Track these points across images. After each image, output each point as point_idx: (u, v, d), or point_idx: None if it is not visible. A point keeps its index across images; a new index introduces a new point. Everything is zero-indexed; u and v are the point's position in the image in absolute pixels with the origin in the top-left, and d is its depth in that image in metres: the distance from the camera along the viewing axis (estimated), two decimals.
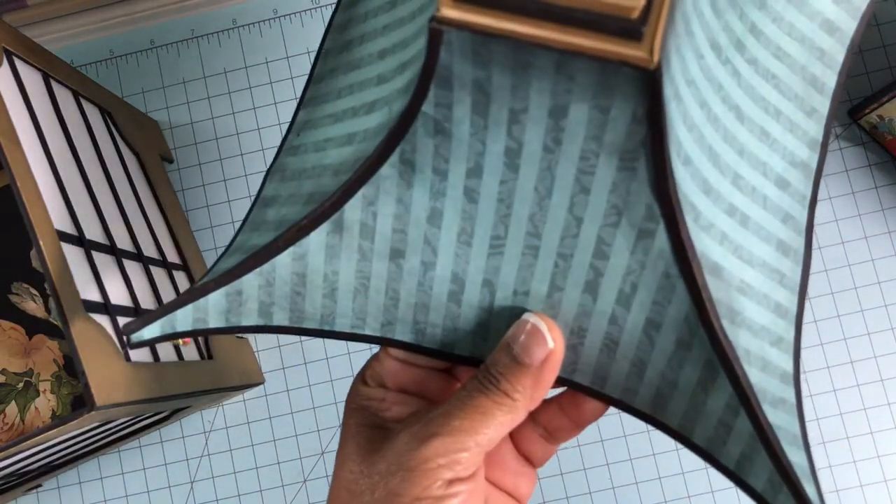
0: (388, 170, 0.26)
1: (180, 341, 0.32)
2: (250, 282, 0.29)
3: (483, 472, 0.29)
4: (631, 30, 0.21)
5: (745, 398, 0.26)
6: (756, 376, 0.27)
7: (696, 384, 0.28)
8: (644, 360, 0.29)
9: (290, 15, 0.56)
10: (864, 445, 0.50)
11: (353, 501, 0.29)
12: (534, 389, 0.28)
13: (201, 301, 0.29)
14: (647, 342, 0.28)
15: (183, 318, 0.30)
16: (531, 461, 0.33)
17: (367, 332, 0.31)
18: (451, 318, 0.30)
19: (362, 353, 0.53)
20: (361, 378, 0.32)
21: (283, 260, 0.29)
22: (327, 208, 0.27)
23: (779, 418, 0.27)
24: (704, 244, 0.26)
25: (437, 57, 0.23)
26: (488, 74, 0.23)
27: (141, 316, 0.30)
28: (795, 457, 0.27)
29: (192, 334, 0.30)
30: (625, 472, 0.51)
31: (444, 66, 0.23)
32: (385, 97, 0.28)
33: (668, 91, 0.23)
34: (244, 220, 0.32)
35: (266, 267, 0.29)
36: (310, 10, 0.56)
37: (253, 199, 0.34)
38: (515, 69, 0.23)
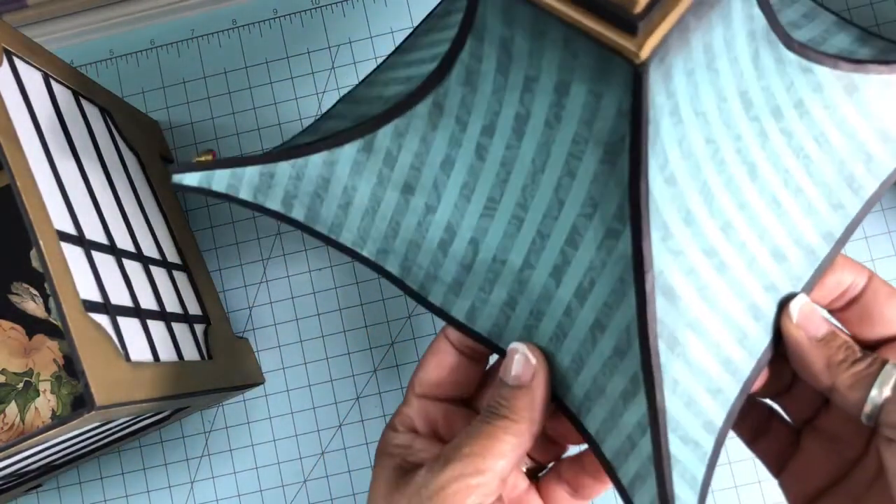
0: (422, 108, 0.29)
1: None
2: (284, 169, 0.33)
3: None
4: (629, 22, 0.22)
5: (654, 419, 0.27)
6: (675, 407, 0.28)
7: (620, 395, 0.28)
8: (583, 359, 0.29)
9: (290, 15, 0.56)
10: None
11: None
12: (531, 409, 0.30)
13: (239, 170, 0.34)
14: (590, 342, 0.29)
15: (220, 179, 0.34)
16: None
17: (365, 253, 0.34)
18: (435, 265, 0.32)
19: (363, 353, 0.53)
20: (391, 425, 0.34)
21: (316, 160, 0.32)
22: (366, 127, 0.31)
23: (683, 455, 0.28)
24: (666, 265, 0.26)
25: (476, 7, 0.25)
26: (512, 35, 0.25)
27: (186, 162, 0.35)
28: (684, 494, 0.28)
29: (224, 198, 0.34)
30: None
31: (481, 17, 0.26)
32: (443, 53, 0.30)
33: (659, 100, 0.23)
34: (306, 128, 0.37)
35: (300, 161, 0.32)
36: (310, 10, 0.56)
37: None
38: (534, 35, 0.24)
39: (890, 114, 0.29)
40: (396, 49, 0.37)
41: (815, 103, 0.28)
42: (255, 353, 0.53)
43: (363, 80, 0.37)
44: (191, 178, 0.34)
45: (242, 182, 0.34)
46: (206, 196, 0.35)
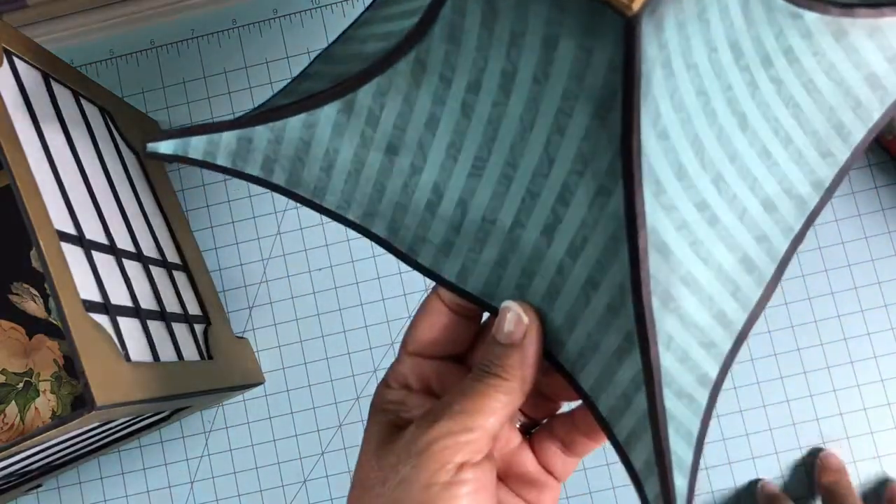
0: (403, 65, 0.28)
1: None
2: (261, 134, 0.32)
3: (494, 467, 0.30)
4: None
5: (648, 375, 0.27)
6: (669, 363, 0.28)
7: (614, 352, 0.28)
8: (576, 317, 0.29)
9: (290, 15, 0.56)
10: (864, 445, 0.50)
11: (365, 495, 0.30)
12: (522, 367, 0.30)
13: (215, 136, 0.32)
14: (583, 299, 0.29)
15: (196, 146, 0.33)
16: (553, 474, 0.34)
17: (350, 216, 0.33)
18: (423, 226, 0.32)
19: (363, 353, 0.53)
20: (385, 381, 0.33)
21: (295, 123, 0.31)
22: (345, 86, 0.30)
23: (678, 410, 0.28)
24: (659, 221, 0.26)
25: None
26: None
27: (163, 131, 0.33)
28: (680, 449, 0.28)
29: (201, 164, 0.33)
30: (624, 473, 0.51)
31: None
32: (424, 6, 0.29)
33: (651, 52, 0.23)
34: (281, 89, 0.35)
35: (279, 124, 0.31)
36: (310, 10, 0.56)
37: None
38: None
39: (877, 59, 0.30)
40: (372, 3, 0.36)
41: (805, 50, 0.28)
42: (255, 353, 0.53)
43: (339, 37, 0.36)
44: (166, 146, 0.33)
45: (220, 148, 0.33)
46: (184, 164, 0.34)
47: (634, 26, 0.22)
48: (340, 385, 0.52)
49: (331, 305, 0.53)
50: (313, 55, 0.55)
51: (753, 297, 0.29)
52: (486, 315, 0.34)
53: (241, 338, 0.53)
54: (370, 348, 0.53)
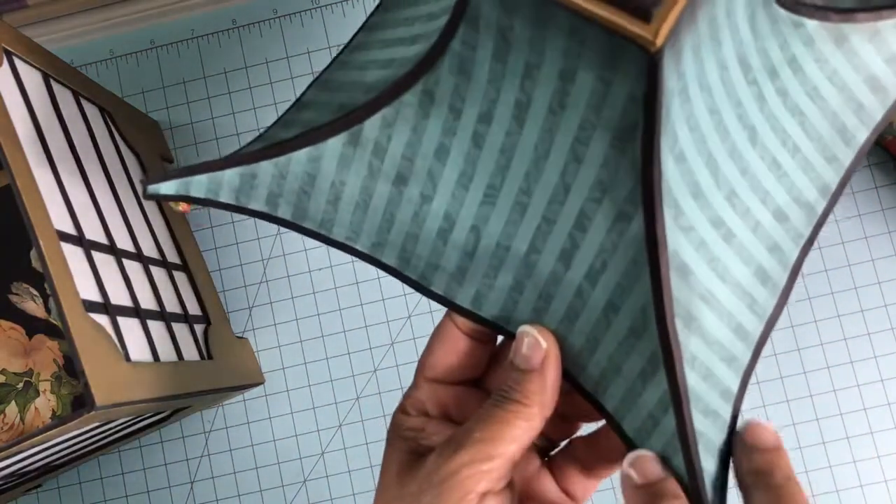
0: (410, 97, 0.28)
1: (180, 206, 0.35)
2: (266, 169, 0.31)
3: (515, 494, 0.30)
4: (643, 9, 0.21)
5: (676, 397, 0.27)
6: (695, 382, 0.28)
7: (638, 374, 0.28)
8: (597, 339, 0.29)
9: (290, 15, 0.56)
10: (864, 445, 0.50)
11: None
12: (541, 392, 0.29)
13: (218, 174, 0.32)
14: (604, 322, 0.29)
15: (198, 185, 0.32)
16: (573, 497, 0.34)
17: (359, 247, 0.32)
18: (436, 254, 0.31)
19: (363, 353, 0.53)
20: (402, 408, 0.33)
21: (300, 157, 0.31)
22: (350, 119, 0.29)
23: (705, 427, 0.28)
24: (678, 243, 0.26)
25: None
26: (511, 23, 0.24)
27: (161, 172, 0.32)
28: (709, 465, 0.28)
29: (203, 203, 0.33)
30: None
31: (475, 5, 0.24)
32: (428, 33, 0.29)
33: (671, 82, 0.23)
34: (279, 118, 0.34)
35: (283, 159, 0.31)
36: (310, 10, 0.56)
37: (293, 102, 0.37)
38: (536, 23, 0.23)
39: (876, 61, 0.30)
40: (364, 26, 0.35)
41: (807, 58, 0.29)
42: (255, 353, 0.53)
43: (334, 61, 0.35)
44: (167, 188, 0.32)
45: (222, 185, 0.32)
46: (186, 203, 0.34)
47: (658, 62, 0.22)
48: (340, 385, 0.52)
49: (331, 305, 0.53)
50: (313, 55, 0.56)
51: (769, 307, 0.30)
52: (500, 337, 0.33)
53: (241, 338, 0.53)
54: (370, 348, 0.53)
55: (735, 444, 0.29)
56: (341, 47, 0.36)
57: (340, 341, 0.53)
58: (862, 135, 0.30)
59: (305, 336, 0.53)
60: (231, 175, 0.32)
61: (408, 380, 0.52)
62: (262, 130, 0.37)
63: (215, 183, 0.32)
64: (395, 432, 0.32)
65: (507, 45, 0.25)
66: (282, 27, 0.56)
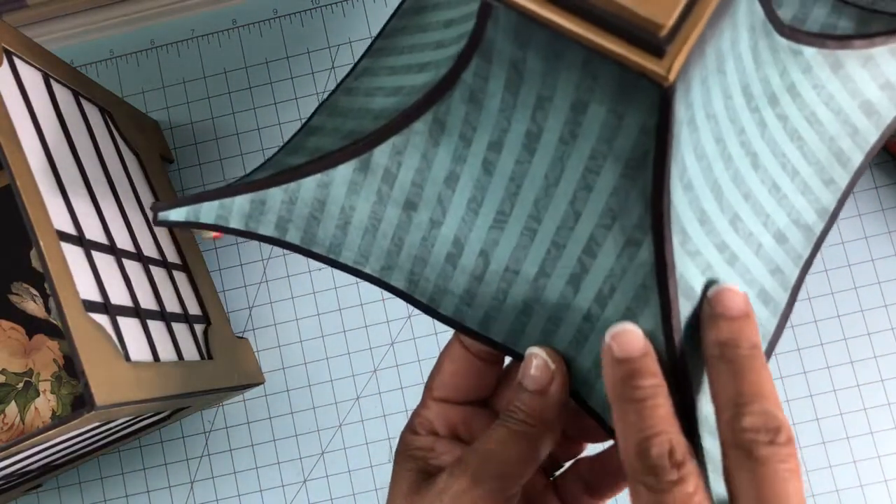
0: (420, 125, 0.28)
1: (203, 233, 0.35)
2: (275, 195, 0.32)
3: None
4: (656, 45, 0.22)
5: (689, 419, 0.27)
6: (703, 404, 0.28)
7: None
8: None
9: (290, 15, 0.56)
10: (864, 445, 0.50)
11: None
12: (550, 414, 0.30)
13: (227, 200, 0.32)
14: None
15: (208, 211, 0.33)
16: None
17: (367, 270, 0.33)
18: (444, 278, 0.31)
19: (363, 353, 0.53)
20: (410, 428, 0.33)
21: (309, 183, 0.31)
22: (360, 146, 0.30)
23: (713, 448, 0.28)
24: (686, 268, 0.27)
25: (484, 28, 0.25)
26: (524, 56, 0.24)
27: (170, 200, 0.32)
28: (717, 486, 0.28)
29: (212, 228, 0.33)
30: None
31: (489, 39, 0.25)
32: (437, 61, 0.29)
33: (681, 114, 0.23)
34: (286, 143, 0.35)
35: (293, 185, 0.31)
36: (310, 10, 0.56)
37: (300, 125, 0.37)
38: (548, 57, 0.24)
39: (871, 87, 0.30)
40: (369, 50, 0.36)
41: (806, 84, 0.29)
42: (255, 353, 0.53)
43: (340, 87, 0.35)
44: (176, 214, 0.33)
45: (232, 212, 0.33)
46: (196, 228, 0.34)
47: (671, 95, 0.22)
48: (340, 385, 0.52)
49: (331, 305, 0.53)
50: (313, 55, 0.56)
51: (770, 328, 0.30)
52: (508, 358, 0.34)
53: (241, 338, 0.53)
54: (370, 348, 0.53)
55: (702, 312, 0.27)
56: (346, 73, 0.37)
57: (340, 341, 0.53)
58: (857, 157, 0.31)
59: (305, 336, 0.53)
60: (241, 201, 0.32)
61: (408, 380, 0.52)
62: (267, 155, 0.37)
63: (225, 209, 0.32)
64: (405, 452, 0.32)
65: (519, 77, 0.25)
66: (282, 27, 0.56)
